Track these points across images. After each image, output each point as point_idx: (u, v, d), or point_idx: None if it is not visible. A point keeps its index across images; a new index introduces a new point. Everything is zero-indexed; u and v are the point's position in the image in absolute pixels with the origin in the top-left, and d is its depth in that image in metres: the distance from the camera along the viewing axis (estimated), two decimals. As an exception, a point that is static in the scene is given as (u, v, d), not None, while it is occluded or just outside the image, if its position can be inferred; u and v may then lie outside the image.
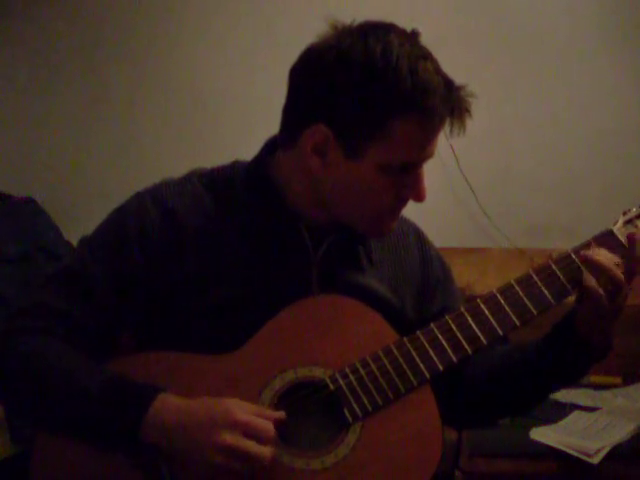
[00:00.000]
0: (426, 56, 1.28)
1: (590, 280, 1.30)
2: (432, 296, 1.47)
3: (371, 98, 1.25)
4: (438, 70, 1.28)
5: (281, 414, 1.25)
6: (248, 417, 1.21)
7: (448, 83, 1.28)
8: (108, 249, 1.35)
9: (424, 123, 1.27)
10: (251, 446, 1.20)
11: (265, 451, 1.20)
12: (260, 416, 1.22)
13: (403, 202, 1.35)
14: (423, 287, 1.46)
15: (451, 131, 1.30)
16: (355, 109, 1.26)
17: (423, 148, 1.29)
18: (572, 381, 1.42)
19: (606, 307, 1.29)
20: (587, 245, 1.35)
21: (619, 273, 1.29)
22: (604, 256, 1.31)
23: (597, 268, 1.30)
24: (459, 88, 1.29)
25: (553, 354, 1.36)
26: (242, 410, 1.22)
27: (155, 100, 2.84)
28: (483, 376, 1.44)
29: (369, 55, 1.25)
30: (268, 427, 1.22)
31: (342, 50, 1.26)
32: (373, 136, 1.26)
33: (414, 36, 1.30)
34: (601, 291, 1.29)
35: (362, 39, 1.26)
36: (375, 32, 1.27)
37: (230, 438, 1.19)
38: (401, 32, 1.29)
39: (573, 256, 1.33)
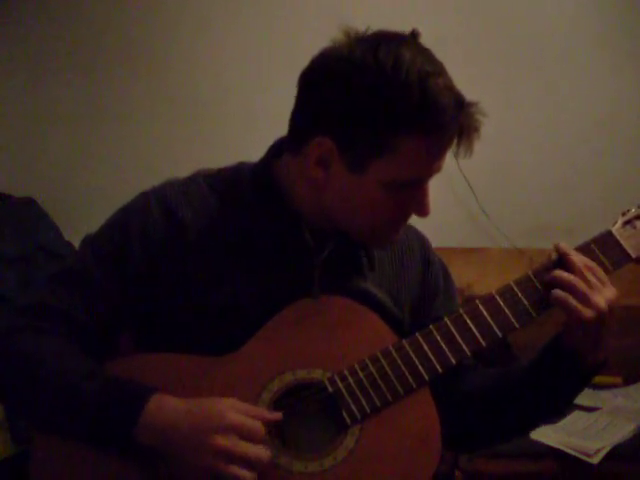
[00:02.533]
0: (438, 72, 1.24)
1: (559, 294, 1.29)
2: (430, 306, 1.46)
3: (377, 114, 1.22)
4: (449, 87, 1.24)
5: (277, 415, 1.25)
6: (241, 419, 1.21)
7: (459, 101, 1.25)
8: (110, 249, 1.35)
9: (431, 142, 1.24)
10: (247, 448, 1.19)
11: (261, 452, 1.20)
12: (255, 416, 1.22)
13: (407, 216, 1.34)
14: (422, 296, 1.46)
15: (457, 153, 1.27)
16: (361, 124, 1.23)
17: (429, 166, 1.27)
18: (566, 402, 1.40)
19: (589, 324, 1.27)
20: (586, 246, 1.34)
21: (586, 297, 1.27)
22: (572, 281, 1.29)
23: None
24: (470, 105, 1.26)
25: (544, 376, 1.35)
26: (236, 412, 1.21)
27: (155, 100, 2.84)
28: (475, 403, 1.42)
29: (378, 70, 1.22)
30: (258, 426, 1.21)
31: (351, 63, 1.23)
32: (378, 152, 1.24)
33: (427, 50, 1.27)
34: (573, 304, 1.27)
35: (373, 52, 1.23)
36: (387, 45, 1.24)
37: (225, 441, 1.19)
38: (414, 45, 1.26)
39: None
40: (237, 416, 1.21)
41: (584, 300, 1.28)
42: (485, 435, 1.46)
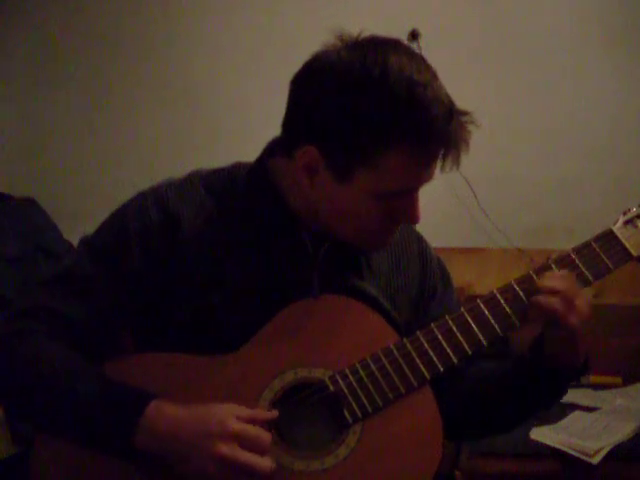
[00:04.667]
0: (427, 82, 1.21)
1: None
2: (428, 305, 1.45)
3: (363, 126, 1.20)
4: (438, 97, 1.21)
5: (273, 413, 1.24)
6: (242, 426, 1.20)
7: (448, 112, 1.22)
8: (108, 251, 1.34)
9: (418, 154, 1.22)
10: (248, 457, 1.18)
11: (263, 462, 1.19)
12: (255, 421, 1.21)
13: (397, 223, 1.32)
14: (419, 296, 1.45)
15: (442, 166, 1.24)
16: (346, 135, 1.22)
17: (417, 177, 1.26)
18: (547, 403, 1.40)
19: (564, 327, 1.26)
20: (587, 245, 1.34)
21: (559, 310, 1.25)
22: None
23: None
24: (461, 114, 1.23)
25: (524, 377, 1.35)
26: (236, 418, 1.20)
27: (154, 101, 2.85)
28: (463, 397, 1.41)
29: (365, 80, 1.20)
30: (262, 435, 1.20)
31: (337, 72, 1.22)
32: (363, 164, 1.22)
33: (419, 57, 1.24)
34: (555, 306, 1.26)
35: (360, 62, 1.21)
36: (375, 53, 1.21)
37: (226, 449, 1.18)
38: (404, 53, 1.24)
39: (573, 256, 1.33)
40: (239, 424, 1.20)
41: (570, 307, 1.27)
42: (476, 427, 1.47)
